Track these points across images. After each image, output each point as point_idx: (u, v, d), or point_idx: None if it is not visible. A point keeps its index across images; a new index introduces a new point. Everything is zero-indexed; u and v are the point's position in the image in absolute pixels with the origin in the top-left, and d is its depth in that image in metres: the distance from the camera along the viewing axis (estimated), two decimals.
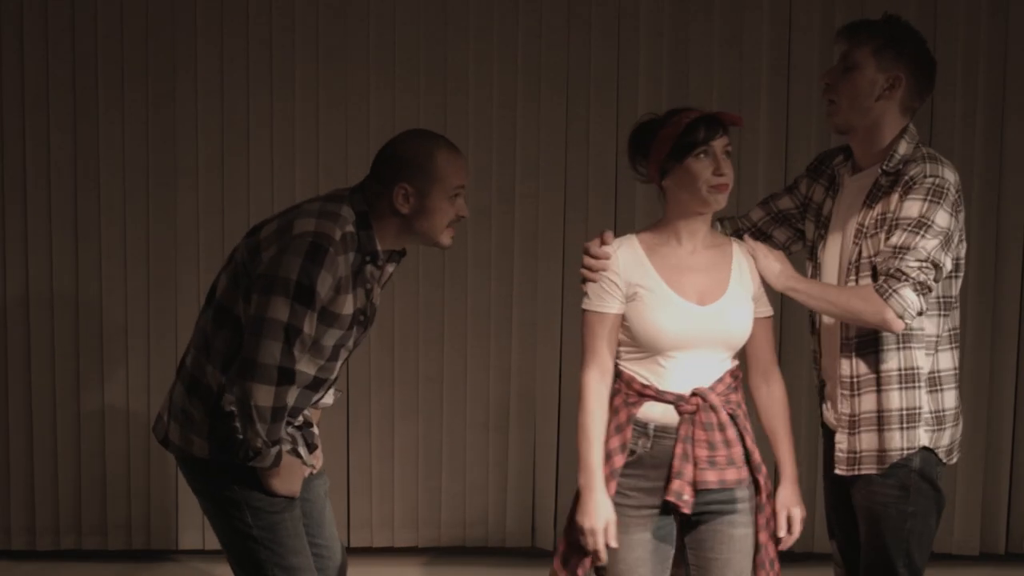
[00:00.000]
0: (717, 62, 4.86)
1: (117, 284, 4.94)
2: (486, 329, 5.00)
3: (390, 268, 3.22)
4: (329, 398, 3.39)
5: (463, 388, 5.03)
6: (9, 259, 4.93)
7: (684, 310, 2.98)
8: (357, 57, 4.87)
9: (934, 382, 3.03)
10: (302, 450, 3.18)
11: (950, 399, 3.06)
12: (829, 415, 3.21)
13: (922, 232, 2.86)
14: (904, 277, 2.85)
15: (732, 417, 3.01)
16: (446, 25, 4.87)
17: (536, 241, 4.96)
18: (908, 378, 2.99)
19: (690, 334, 2.96)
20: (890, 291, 2.86)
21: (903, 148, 2.99)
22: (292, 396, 2.97)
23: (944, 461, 3.09)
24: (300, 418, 3.21)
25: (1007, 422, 4.95)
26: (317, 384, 3.13)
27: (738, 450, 3.01)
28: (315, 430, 3.33)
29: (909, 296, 2.86)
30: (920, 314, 2.90)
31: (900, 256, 2.87)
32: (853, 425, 3.06)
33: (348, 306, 3.01)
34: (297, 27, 4.84)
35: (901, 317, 2.86)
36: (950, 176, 2.93)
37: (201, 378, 3.08)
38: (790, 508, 3.10)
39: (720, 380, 3.00)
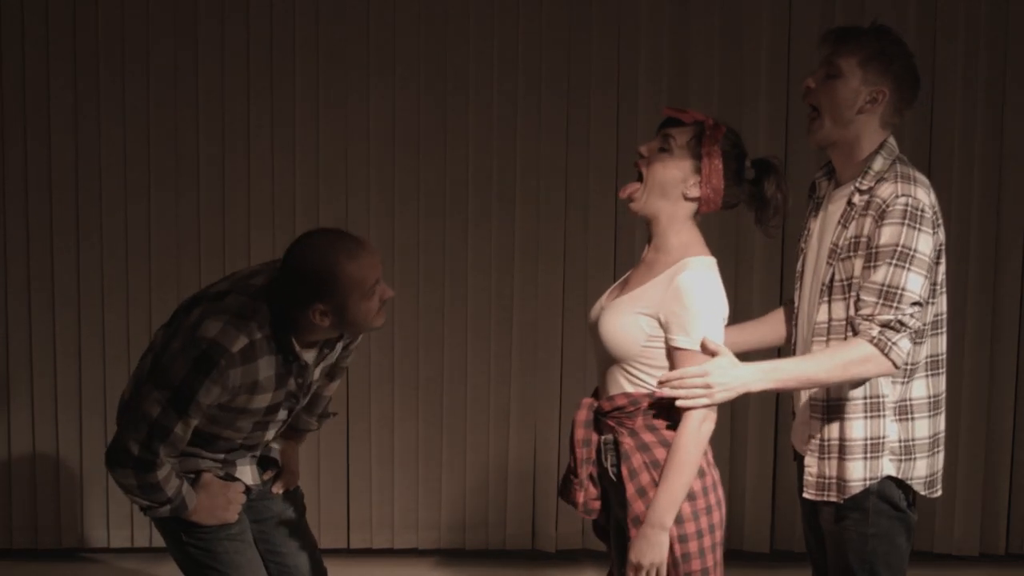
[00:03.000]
0: (717, 62, 4.86)
1: (119, 283, 4.94)
2: (486, 330, 5.00)
3: (339, 347, 3.16)
4: (311, 425, 3.38)
5: (463, 390, 5.02)
6: (10, 259, 4.94)
7: (594, 308, 2.98)
8: (357, 57, 4.88)
9: (904, 411, 2.94)
10: (244, 471, 3.16)
11: (922, 428, 2.96)
12: (797, 440, 3.14)
13: (907, 265, 2.79)
14: (903, 328, 2.80)
15: (604, 443, 2.90)
16: (446, 25, 4.87)
17: (536, 242, 4.95)
18: (873, 407, 2.92)
19: (591, 334, 2.96)
20: (890, 344, 2.79)
21: (878, 164, 2.92)
22: (161, 473, 2.93)
23: (923, 493, 2.99)
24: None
25: (1007, 422, 4.94)
26: (249, 447, 3.13)
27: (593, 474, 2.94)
28: (274, 453, 3.30)
29: (906, 346, 2.81)
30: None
31: (893, 303, 2.79)
32: (822, 450, 2.97)
33: (263, 402, 2.98)
34: (297, 27, 4.85)
35: (897, 367, 2.83)
36: (923, 196, 2.85)
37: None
38: (629, 552, 2.83)
39: (611, 398, 2.89)
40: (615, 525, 3.02)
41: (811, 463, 3.00)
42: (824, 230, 3.04)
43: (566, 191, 4.94)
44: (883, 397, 2.92)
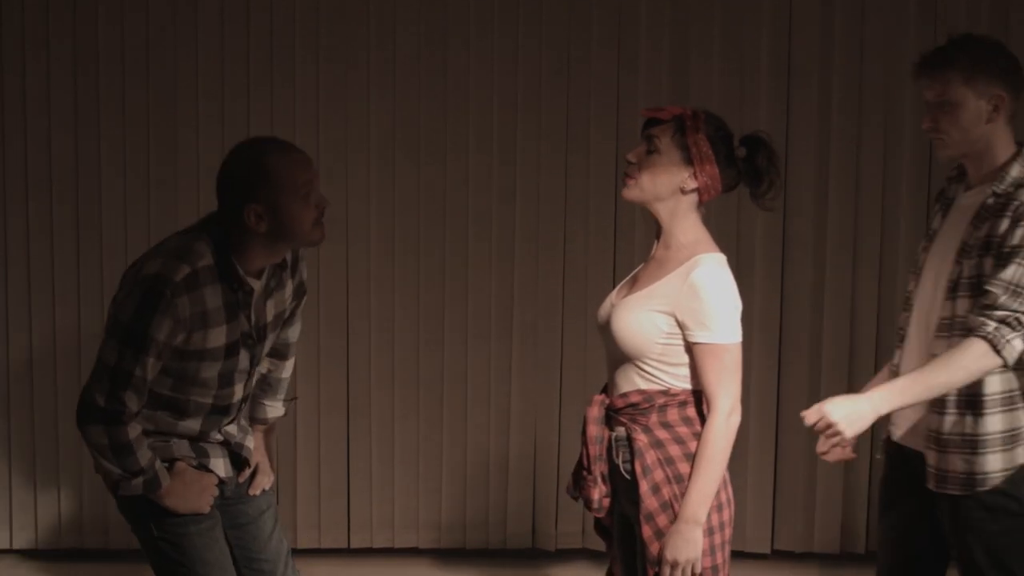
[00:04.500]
0: (717, 63, 4.86)
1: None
2: (486, 330, 5.00)
3: (288, 281, 3.14)
4: (278, 410, 3.35)
5: (463, 389, 5.03)
6: (11, 259, 4.94)
7: (604, 306, 2.99)
8: (357, 57, 4.88)
9: None
10: (217, 463, 3.14)
11: None
12: (907, 433, 3.14)
13: None
14: (1020, 326, 2.82)
15: (616, 439, 2.92)
16: (446, 25, 4.87)
17: (536, 242, 4.95)
18: (1008, 400, 2.96)
19: (602, 332, 2.97)
20: (1003, 341, 2.81)
21: (1016, 171, 2.94)
22: (132, 432, 2.92)
23: None
24: (218, 435, 3.15)
25: None
26: (221, 410, 3.09)
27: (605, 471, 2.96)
28: (248, 445, 3.26)
29: (1019, 345, 2.83)
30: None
31: (1016, 300, 2.82)
32: (941, 444, 3.00)
33: (219, 339, 2.95)
34: (297, 27, 4.85)
35: (1006, 364, 2.85)
36: None
37: None
38: (662, 546, 2.83)
39: (624, 395, 2.91)
40: (620, 521, 3.02)
41: (930, 456, 3.02)
42: (953, 230, 3.05)
43: (566, 191, 4.94)
44: (1020, 390, 2.96)
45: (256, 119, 4.87)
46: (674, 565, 2.79)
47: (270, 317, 3.11)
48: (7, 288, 4.96)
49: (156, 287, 2.85)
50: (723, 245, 4.80)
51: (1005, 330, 2.81)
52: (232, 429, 3.18)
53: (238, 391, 3.10)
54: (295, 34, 4.86)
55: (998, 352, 2.81)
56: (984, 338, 2.82)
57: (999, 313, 2.82)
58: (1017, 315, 2.82)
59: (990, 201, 2.94)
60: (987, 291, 2.86)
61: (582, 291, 4.90)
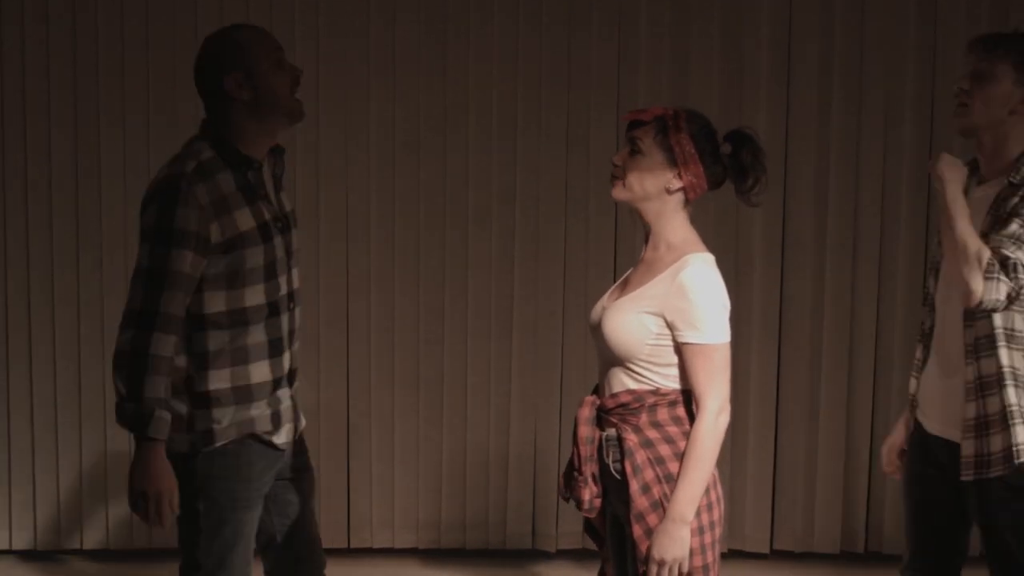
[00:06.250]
0: (717, 63, 4.86)
1: (119, 284, 4.93)
2: (486, 330, 5.00)
3: (278, 170, 3.23)
4: (301, 420, 3.34)
5: (463, 389, 5.03)
6: (11, 259, 4.94)
7: (595, 309, 3.02)
8: (357, 57, 4.88)
9: None
10: (286, 429, 3.16)
11: None
12: (940, 425, 3.22)
13: None
14: (1013, 274, 2.91)
15: (607, 440, 2.94)
16: (446, 25, 4.87)
17: (537, 242, 4.96)
18: (1017, 375, 3.04)
19: (593, 334, 2.99)
20: (994, 278, 2.91)
21: None
22: (156, 346, 2.89)
23: None
24: (287, 392, 3.17)
25: None
26: (275, 309, 3.09)
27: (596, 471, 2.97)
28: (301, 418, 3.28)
29: (1002, 291, 2.91)
30: (995, 311, 2.96)
31: (1019, 248, 2.93)
32: (980, 428, 3.07)
33: (248, 221, 3.02)
34: (297, 27, 4.85)
35: (981, 302, 2.92)
36: None
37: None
38: (650, 545, 2.83)
39: (615, 395, 2.93)
40: (612, 521, 3.04)
41: (967, 445, 3.08)
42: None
43: (566, 191, 4.94)
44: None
45: None
46: (661, 564, 2.79)
47: (287, 207, 3.21)
48: (7, 288, 4.95)
49: (171, 185, 2.94)
50: (723, 245, 4.84)
51: (1000, 270, 2.91)
52: (293, 392, 3.21)
53: (283, 284, 3.11)
54: (294, 34, 4.86)
55: (985, 279, 2.90)
56: (989, 259, 2.91)
57: (1002, 252, 2.92)
58: (1015, 262, 2.91)
59: (1006, 192, 3.03)
60: (991, 240, 2.96)
61: (582, 291, 4.90)
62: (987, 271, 2.90)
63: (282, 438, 3.16)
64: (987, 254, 2.91)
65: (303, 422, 3.30)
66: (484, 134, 4.92)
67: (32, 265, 4.94)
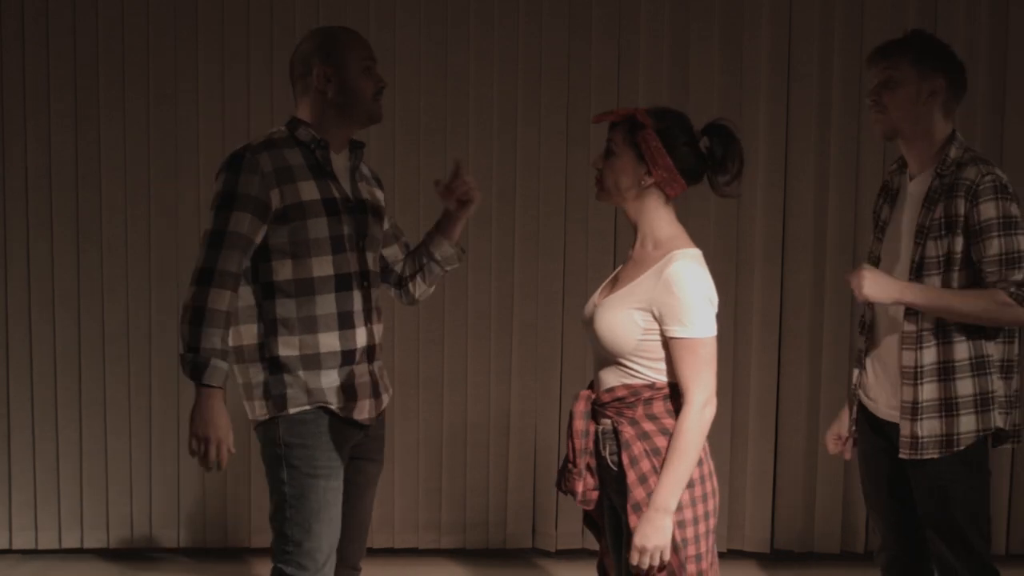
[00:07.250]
0: (717, 62, 4.86)
1: (119, 283, 4.95)
2: (487, 330, 5.00)
3: (364, 169, 3.43)
4: (383, 398, 3.45)
5: (463, 389, 5.03)
6: (11, 258, 4.94)
7: (588, 306, 3.06)
8: None
9: (1008, 369, 3.22)
10: (363, 404, 3.28)
11: (1016, 383, 3.27)
12: (873, 403, 3.37)
13: (1013, 231, 3.09)
14: None
15: (603, 432, 2.96)
16: (446, 25, 4.87)
17: (537, 242, 4.96)
18: (979, 365, 3.17)
19: (586, 331, 3.03)
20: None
21: (954, 152, 3.19)
22: (215, 301, 3.07)
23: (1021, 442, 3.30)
24: (365, 367, 3.32)
25: None
26: (345, 283, 3.22)
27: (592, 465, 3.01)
28: (387, 384, 3.47)
29: None
30: None
31: (1016, 265, 3.08)
32: (915, 412, 3.19)
33: (312, 192, 3.18)
34: (297, 27, 4.85)
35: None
36: (1000, 173, 3.15)
37: (237, 343, 3.22)
38: (633, 536, 2.85)
39: (610, 390, 2.96)
40: (610, 513, 3.07)
41: (904, 426, 3.22)
42: (905, 216, 3.28)
43: (566, 191, 4.95)
44: (988, 356, 3.18)
45: (256, 119, 4.87)
46: (642, 551, 2.83)
47: (364, 195, 3.36)
48: (7, 288, 4.96)
49: (237, 155, 3.18)
50: (723, 245, 4.85)
51: (1017, 292, 3.07)
52: (373, 368, 3.36)
53: (352, 260, 3.24)
54: (295, 34, 4.86)
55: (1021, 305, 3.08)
56: (1009, 296, 3.08)
57: (1013, 278, 3.08)
58: None
59: (936, 183, 3.18)
60: (985, 271, 3.11)
61: (582, 291, 4.90)
62: (1017, 301, 3.08)
63: (361, 413, 3.28)
64: (1000, 295, 3.07)
65: (385, 400, 3.43)
66: (484, 134, 4.92)
67: (32, 265, 4.94)
